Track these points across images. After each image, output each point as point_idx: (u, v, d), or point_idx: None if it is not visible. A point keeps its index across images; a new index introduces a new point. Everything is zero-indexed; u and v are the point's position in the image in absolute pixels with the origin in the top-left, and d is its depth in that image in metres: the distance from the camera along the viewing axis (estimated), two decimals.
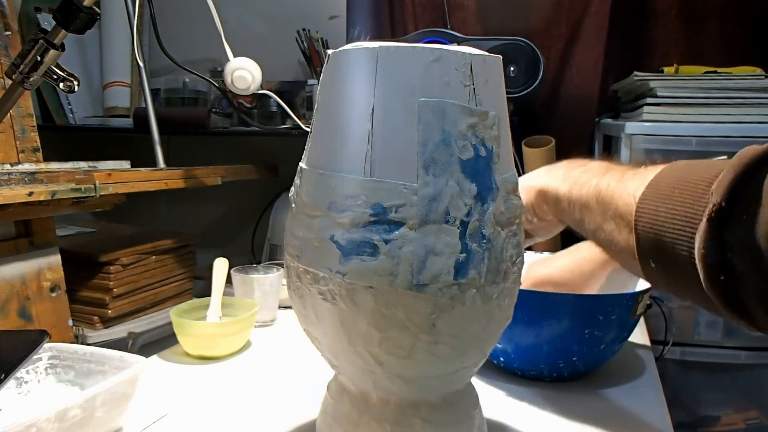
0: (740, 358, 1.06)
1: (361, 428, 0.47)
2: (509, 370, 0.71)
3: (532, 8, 1.27)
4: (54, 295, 0.79)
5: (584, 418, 0.61)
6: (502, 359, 0.71)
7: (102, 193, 0.76)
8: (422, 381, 0.45)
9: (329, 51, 0.44)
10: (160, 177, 0.92)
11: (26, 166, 0.77)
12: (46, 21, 1.36)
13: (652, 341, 0.85)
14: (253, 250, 1.43)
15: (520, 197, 0.47)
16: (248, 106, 1.32)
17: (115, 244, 0.92)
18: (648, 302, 0.69)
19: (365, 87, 0.41)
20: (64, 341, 0.75)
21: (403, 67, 0.41)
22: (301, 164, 0.47)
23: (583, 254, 0.73)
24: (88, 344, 0.79)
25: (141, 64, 1.05)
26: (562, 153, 1.15)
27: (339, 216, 0.42)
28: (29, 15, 1.37)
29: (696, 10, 1.21)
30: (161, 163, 1.04)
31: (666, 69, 1.08)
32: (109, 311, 0.87)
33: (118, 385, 0.54)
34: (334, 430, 0.50)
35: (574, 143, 1.28)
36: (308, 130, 0.47)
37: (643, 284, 0.70)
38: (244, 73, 0.96)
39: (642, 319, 0.86)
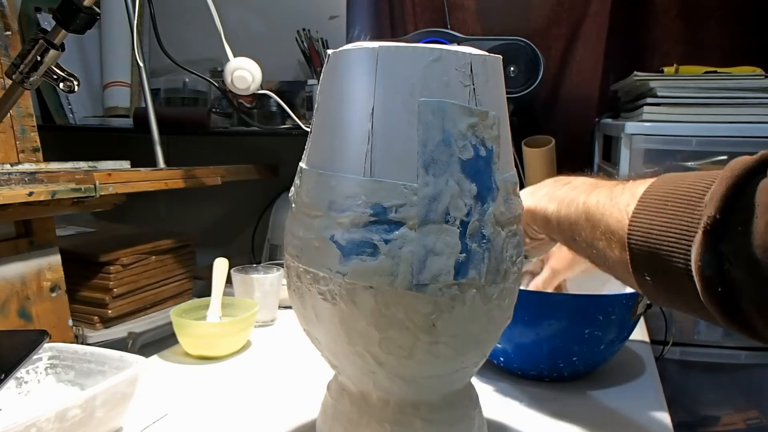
0: (740, 358, 1.06)
1: (361, 428, 0.47)
2: (509, 370, 0.71)
3: (532, 8, 1.27)
4: (54, 295, 0.79)
5: (584, 418, 0.61)
6: (502, 359, 0.71)
7: (102, 193, 0.76)
8: (422, 381, 0.45)
9: (329, 51, 0.44)
10: (160, 177, 0.92)
11: (26, 166, 0.77)
12: (46, 21, 1.36)
13: (652, 341, 0.85)
14: (253, 250, 1.43)
15: (520, 197, 0.47)
16: (248, 106, 1.32)
17: (115, 244, 0.92)
18: (648, 302, 0.69)
19: (365, 87, 0.41)
20: (64, 341, 0.75)
21: (403, 67, 0.41)
22: (301, 164, 0.47)
23: None
24: (88, 344, 0.79)
25: (141, 64, 1.05)
26: (562, 153, 1.16)
27: (339, 216, 0.42)
28: (29, 15, 1.37)
29: (696, 10, 1.21)
30: (161, 163, 1.04)
31: (666, 69, 1.08)
32: (109, 311, 0.87)
33: (118, 385, 0.54)
34: (334, 430, 0.50)
35: (574, 143, 1.28)
36: (308, 130, 0.47)
37: None
38: (244, 73, 0.96)
39: (642, 319, 0.86)
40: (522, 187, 0.56)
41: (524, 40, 1.05)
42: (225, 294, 0.86)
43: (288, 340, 0.86)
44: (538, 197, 0.57)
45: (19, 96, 0.72)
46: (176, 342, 0.79)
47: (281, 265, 0.90)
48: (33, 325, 0.76)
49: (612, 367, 0.73)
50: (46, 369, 0.61)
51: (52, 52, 0.66)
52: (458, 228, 0.41)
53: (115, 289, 0.88)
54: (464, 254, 0.41)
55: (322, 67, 0.46)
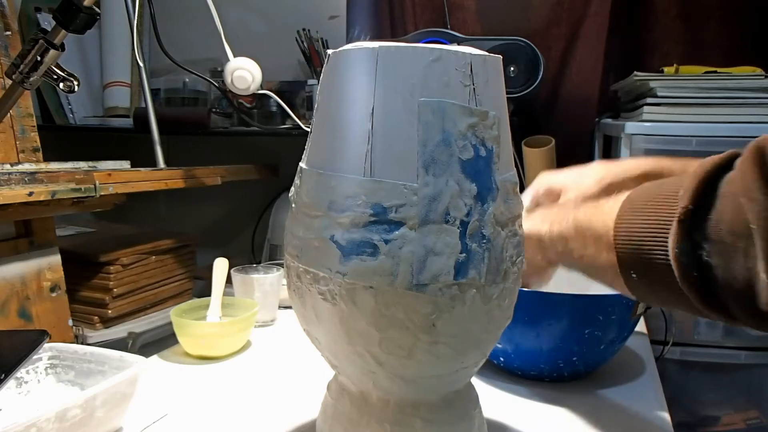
0: (740, 358, 1.06)
1: (361, 428, 0.48)
2: (509, 370, 0.71)
3: (532, 8, 1.27)
4: (54, 295, 0.79)
5: (584, 418, 0.61)
6: (502, 359, 0.71)
7: (102, 193, 0.76)
8: (422, 381, 0.45)
9: (329, 51, 0.44)
10: (160, 177, 0.92)
11: (26, 166, 0.77)
12: (46, 21, 1.36)
13: (652, 341, 0.85)
14: (253, 250, 1.43)
15: (520, 197, 0.47)
16: (248, 106, 1.32)
17: (115, 244, 0.92)
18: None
19: (365, 87, 0.41)
20: (64, 341, 0.75)
21: (403, 67, 0.41)
22: (301, 164, 0.47)
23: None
24: (88, 344, 0.79)
25: (141, 64, 1.05)
26: (562, 153, 1.16)
27: (339, 216, 0.42)
28: (29, 15, 1.37)
29: (696, 10, 1.21)
30: (161, 163, 1.04)
31: (666, 69, 1.08)
32: (109, 311, 0.87)
33: (118, 385, 0.54)
34: (334, 430, 0.50)
35: (574, 143, 1.28)
36: (308, 130, 0.47)
37: None
38: (244, 73, 0.96)
39: (642, 319, 0.86)
40: (522, 187, 0.56)
41: (524, 40, 1.05)
42: (225, 294, 0.86)
43: (288, 340, 0.86)
44: (531, 221, 0.59)
45: (19, 96, 0.72)
46: (176, 342, 0.79)
47: (281, 265, 0.90)
48: (33, 325, 0.76)
49: (612, 367, 0.73)
50: (46, 369, 0.61)
51: (52, 52, 0.66)
52: (458, 228, 0.41)
53: (115, 289, 0.88)
54: (464, 254, 0.41)
55: (322, 67, 0.46)
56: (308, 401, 0.61)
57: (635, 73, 1.05)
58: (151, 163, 1.03)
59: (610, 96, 1.29)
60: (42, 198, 0.69)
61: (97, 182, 0.76)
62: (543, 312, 0.65)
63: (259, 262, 1.04)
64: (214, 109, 1.38)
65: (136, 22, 1.05)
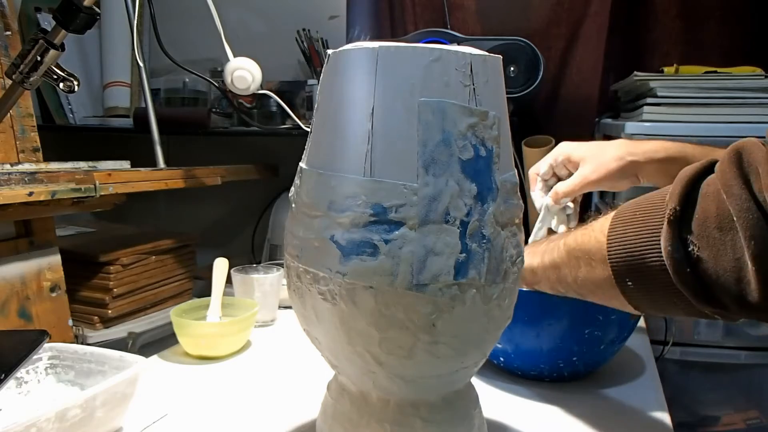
0: (740, 358, 1.06)
1: (361, 428, 0.47)
2: (509, 370, 0.71)
3: (532, 8, 1.27)
4: (54, 295, 0.79)
5: (584, 418, 0.61)
6: (502, 359, 0.71)
7: (102, 193, 0.76)
8: (422, 381, 0.45)
9: (329, 51, 0.44)
10: (160, 177, 0.92)
11: (26, 166, 0.77)
12: (46, 21, 1.36)
13: (652, 341, 0.85)
14: (253, 250, 1.43)
15: (520, 197, 0.47)
16: (248, 106, 1.32)
17: (115, 244, 0.92)
18: None
19: (365, 87, 0.41)
20: (64, 341, 0.75)
21: (403, 67, 0.41)
22: (301, 164, 0.47)
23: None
24: (88, 344, 0.79)
25: (141, 64, 1.05)
26: None
27: (339, 216, 0.42)
28: (29, 15, 1.37)
29: (696, 10, 1.21)
30: (161, 163, 1.04)
31: (666, 69, 1.08)
32: (109, 311, 0.87)
33: (118, 385, 0.54)
34: (334, 430, 0.50)
35: None
36: (308, 130, 0.47)
37: None
38: (244, 73, 0.96)
39: (642, 319, 0.86)
40: (522, 187, 0.56)
41: (524, 40, 1.05)
42: (225, 294, 0.86)
43: (288, 340, 0.86)
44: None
45: (19, 96, 0.72)
46: (176, 342, 0.79)
47: (281, 265, 0.90)
48: (33, 325, 0.76)
49: (612, 367, 0.73)
50: (46, 369, 0.61)
51: (52, 52, 0.66)
52: (458, 228, 0.41)
53: (115, 289, 0.88)
54: (464, 254, 0.41)
55: (322, 67, 0.46)
56: (308, 401, 0.61)
57: (635, 73, 1.05)
58: (151, 163, 1.03)
59: (610, 96, 1.29)
60: (42, 198, 0.69)
61: (97, 182, 0.76)
62: (543, 312, 0.65)
63: (259, 262, 1.04)
64: (214, 109, 1.38)
65: (136, 22, 1.05)
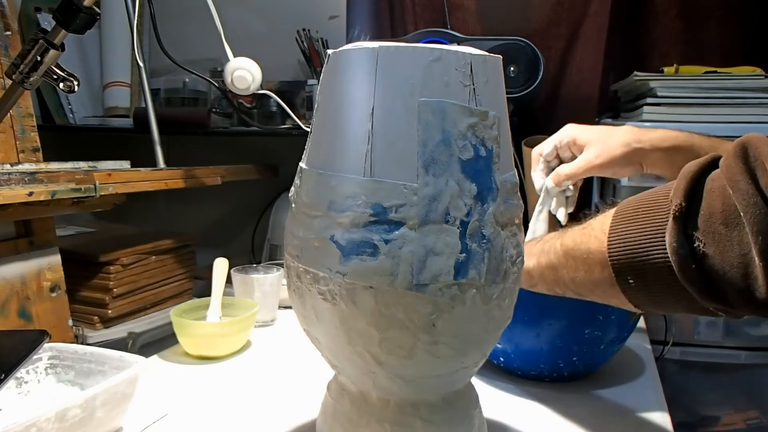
0: (740, 358, 1.06)
1: (361, 428, 0.47)
2: (509, 370, 0.71)
3: (532, 8, 1.27)
4: (54, 295, 0.79)
5: (584, 418, 0.61)
6: (502, 359, 0.71)
7: (102, 193, 0.76)
8: (422, 381, 0.45)
9: (329, 51, 0.44)
10: (160, 177, 0.92)
11: (26, 166, 0.77)
12: (46, 21, 1.36)
13: (652, 341, 0.85)
14: (253, 250, 1.43)
15: (520, 197, 0.47)
16: (248, 106, 1.32)
17: (115, 244, 0.92)
18: None
19: (365, 87, 0.41)
20: (64, 341, 0.75)
21: (403, 67, 0.41)
22: (301, 164, 0.47)
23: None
24: (88, 344, 0.79)
25: (141, 64, 1.05)
26: None
27: (339, 216, 0.42)
28: (29, 15, 1.37)
29: (696, 10, 1.21)
30: (161, 163, 1.04)
31: (666, 69, 1.08)
32: (109, 311, 0.87)
33: (118, 385, 0.54)
34: (334, 430, 0.50)
35: None
36: (308, 130, 0.47)
37: None
38: (244, 73, 0.96)
39: (642, 319, 0.86)
40: (522, 187, 0.56)
41: (524, 40, 1.05)
42: (225, 294, 0.86)
43: (288, 340, 0.86)
44: None
45: (19, 96, 0.72)
46: (176, 342, 0.79)
47: (281, 265, 0.90)
48: (33, 325, 0.76)
49: (612, 367, 0.73)
50: (46, 369, 0.61)
51: (52, 52, 0.66)
52: (458, 228, 0.41)
53: (115, 289, 0.88)
54: (464, 254, 0.41)
55: (322, 67, 0.46)
56: (308, 401, 0.61)
57: (635, 73, 1.05)
58: (151, 163, 1.03)
59: (610, 96, 1.29)
60: (42, 198, 0.69)
61: (97, 182, 0.76)
62: (543, 312, 0.65)
63: (259, 262, 1.04)
64: (214, 109, 1.38)
65: (136, 22, 1.05)
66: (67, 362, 0.61)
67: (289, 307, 0.76)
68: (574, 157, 0.73)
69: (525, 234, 0.62)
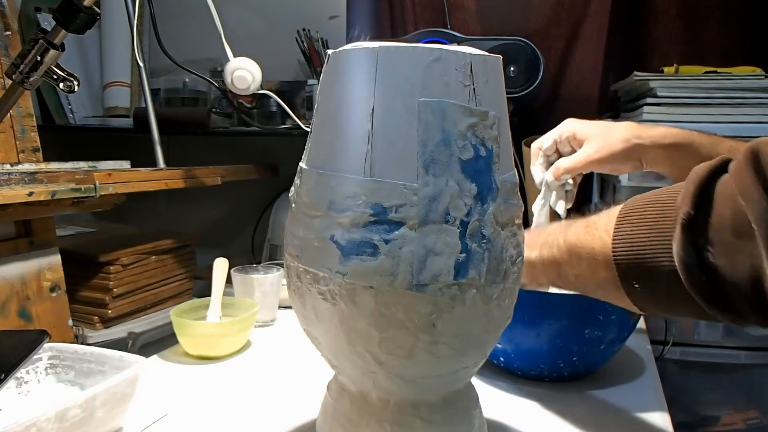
0: (740, 358, 1.06)
1: (361, 428, 0.47)
2: (509, 370, 0.71)
3: (532, 8, 1.27)
4: (54, 295, 0.79)
5: (584, 418, 0.61)
6: (502, 359, 0.71)
7: (102, 193, 0.76)
8: (422, 381, 0.45)
9: (329, 51, 0.44)
10: (160, 177, 0.92)
11: (26, 166, 0.77)
12: (46, 21, 1.36)
13: (652, 341, 0.85)
14: (253, 250, 1.43)
15: (520, 197, 0.47)
16: (248, 106, 1.32)
17: (115, 244, 0.92)
18: None
19: (365, 87, 0.41)
20: (64, 341, 0.75)
21: (403, 67, 0.41)
22: (301, 164, 0.47)
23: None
24: (88, 344, 0.79)
25: (141, 64, 1.05)
26: None
27: (339, 216, 0.42)
28: (29, 15, 1.37)
29: (696, 10, 1.21)
30: (161, 163, 1.04)
31: (666, 69, 1.08)
32: (109, 311, 0.87)
33: (118, 385, 0.54)
34: (334, 430, 0.50)
35: None
36: (308, 130, 0.47)
37: None
38: (244, 73, 0.96)
39: (642, 319, 0.86)
40: (522, 187, 0.56)
41: (524, 40, 1.05)
42: (225, 294, 0.86)
43: (288, 340, 0.86)
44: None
45: (19, 96, 0.72)
46: (176, 342, 0.79)
47: (281, 265, 0.90)
48: (33, 325, 0.76)
49: (612, 367, 0.73)
50: (46, 369, 0.61)
51: (52, 52, 0.66)
52: (458, 228, 0.41)
53: (115, 289, 0.88)
54: (464, 254, 0.41)
55: (322, 67, 0.46)
56: (308, 401, 0.61)
57: (635, 73, 1.05)
58: (151, 163, 1.03)
59: (610, 96, 1.29)
60: (42, 198, 0.69)
61: (97, 182, 0.76)
62: (543, 312, 0.65)
63: (259, 262, 1.04)
64: (214, 109, 1.38)
65: (136, 22, 1.05)
66: (67, 362, 0.61)
67: (289, 307, 0.76)
68: (573, 152, 0.73)
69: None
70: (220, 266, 0.86)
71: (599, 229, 0.48)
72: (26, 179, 0.69)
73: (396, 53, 0.41)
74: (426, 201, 0.40)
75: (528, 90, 1.05)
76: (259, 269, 0.95)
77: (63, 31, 0.66)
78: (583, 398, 0.66)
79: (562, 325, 0.65)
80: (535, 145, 0.77)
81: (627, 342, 0.72)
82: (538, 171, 0.76)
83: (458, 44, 0.98)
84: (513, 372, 0.71)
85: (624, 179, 1.03)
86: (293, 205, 0.47)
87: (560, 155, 0.75)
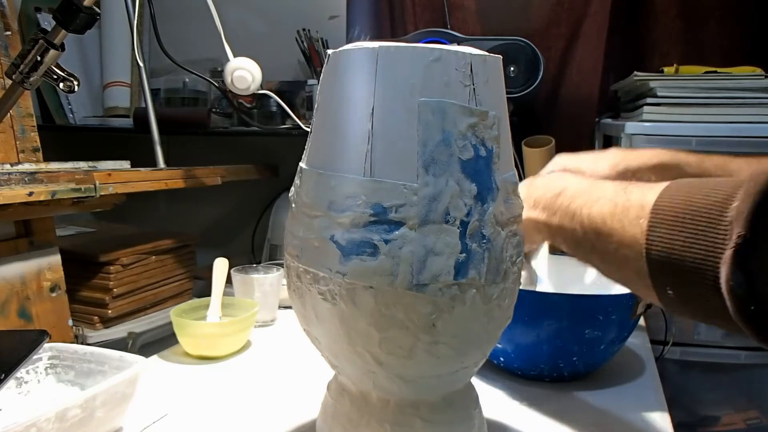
0: (740, 358, 1.06)
1: (361, 428, 0.48)
2: (509, 370, 0.71)
3: (532, 8, 1.27)
4: (54, 295, 0.79)
5: (584, 418, 0.61)
6: (502, 359, 0.71)
7: (102, 193, 0.76)
8: (422, 381, 0.45)
9: (329, 51, 0.44)
10: (160, 177, 0.92)
11: (26, 166, 0.77)
12: (46, 21, 1.36)
13: (652, 341, 0.85)
14: (253, 250, 1.43)
15: (520, 197, 0.47)
16: (248, 106, 1.32)
17: (115, 244, 0.92)
18: (648, 302, 0.69)
19: (365, 87, 0.41)
20: (64, 341, 0.75)
21: (403, 67, 0.41)
22: (301, 164, 0.47)
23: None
24: (88, 344, 0.79)
25: (141, 64, 1.06)
26: (562, 153, 1.15)
27: (339, 216, 0.42)
28: (29, 15, 1.37)
29: (696, 10, 1.21)
30: (161, 163, 1.04)
31: (666, 69, 1.08)
32: (109, 311, 0.87)
33: (118, 385, 0.54)
34: (334, 430, 0.50)
35: (574, 143, 1.28)
36: (308, 130, 0.47)
37: None
38: (244, 73, 0.96)
39: (642, 319, 0.86)
40: None
41: (524, 40, 1.05)
42: (225, 294, 0.86)
43: (288, 340, 0.86)
44: (537, 210, 0.56)
45: (19, 96, 0.72)
46: (176, 342, 0.79)
47: (281, 265, 0.90)
48: (33, 325, 0.76)
49: (612, 367, 0.73)
50: (46, 369, 0.61)
51: (52, 52, 0.66)
52: (458, 228, 0.41)
53: (115, 289, 0.88)
54: (464, 254, 0.41)
55: (322, 67, 0.46)
56: (308, 401, 0.61)
57: (635, 73, 1.05)
58: (151, 163, 1.03)
59: (610, 96, 1.29)
60: (42, 198, 0.69)
61: (97, 182, 0.76)
62: (543, 312, 0.65)
63: (259, 262, 1.04)
64: (214, 109, 1.38)
65: (136, 22, 1.06)
66: (67, 362, 0.61)
67: (289, 307, 0.76)
68: None
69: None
70: (220, 266, 0.86)
71: (629, 218, 0.44)
72: (26, 179, 0.69)
73: (396, 53, 0.41)
74: (426, 201, 0.40)
75: (528, 90, 1.05)
76: (259, 269, 0.95)
77: (63, 31, 0.66)
78: (583, 398, 0.66)
79: (562, 325, 0.65)
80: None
81: (627, 342, 0.72)
82: None
83: (458, 44, 0.98)
84: (513, 372, 0.71)
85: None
86: (293, 205, 0.47)
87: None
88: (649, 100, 1.03)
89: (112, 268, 0.88)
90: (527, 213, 0.57)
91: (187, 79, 1.42)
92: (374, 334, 0.42)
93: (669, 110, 1.03)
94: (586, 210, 0.49)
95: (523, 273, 0.71)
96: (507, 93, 0.46)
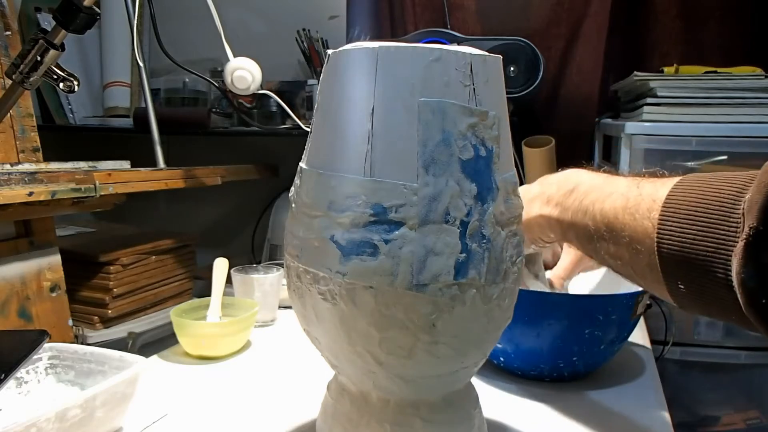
0: (740, 358, 1.06)
1: (361, 428, 0.48)
2: (509, 370, 0.71)
3: (532, 8, 1.27)
4: (54, 295, 0.79)
5: (584, 418, 0.61)
6: (502, 359, 0.71)
7: (102, 193, 0.76)
8: (422, 381, 0.45)
9: (329, 51, 0.44)
10: (160, 177, 0.92)
11: (26, 166, 0.77)
12: (46, 21, 1.36)
13: (652, 341, 0.85)
14: (253, 250, 1.43)
15: (520, 197, 0.47)
16: (248, 106, 1.32)
17: (115, 244, 0.92)
18: (648, 302, 0.69)
19: (365, 87, 0.41)
20: (64, 341, 0.75)
21: (403, 67, 0.41)
22: (301, 164, 0.47)
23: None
24: (88, 344, 0.79)
25: (141, 64, 1.06)
26: (562, 153, 1.16)
27: (339, 216, 0.42)
28: (29, 15, 1.37)
29: (696, 10, 1.21)
30: (161, 163, 1.04)
31: (666, 69, 1.08)
32: (109, 311, 0.87)
33: (118, 385, 0.54)
34: (334, 430, 0.50)
35: (574, 143, 1.28)
36: (308, 130, 0.47)
37: None
38: (244, 73, 0.96)
39: (642, 319, 0.86)
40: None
41: (524, 40, 1.05)
42: (225, 294, 0.86)
43: (288, 340, 0.86)
44: (550, 207, 0.56)
45: (19, 96, 0.72)
46: (176, 342, 0.79)
47: (281, 265, 0.90)
48: (33, 325, 0.76)
49: (612, 367, 0.73)
50: (46, 369, 0.61)
51: (52, 52, 0.66)
52: (458, 228, 0.41)
53: (115, 289, 0.88)
54: (464, 254, 0.41)
55: (322, 67, 0.46)
56: (308, 401, 0.61)
57: (635, 73, 1.05)
58: (151, 163, 1.03)
59: (610, 96, 1.29)
60: (42, 198, 0.69)
61: (97, 182, 0.76)
62: (543, 312, 0.65)
63: (259, 262, 1.04)
64: (214, 109, 1.38)
65: (136, 22, 1.06)
66: (67, 362, 0.61)
67: (289, 307, 0.76)
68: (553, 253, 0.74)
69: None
70: (220, 266, 0.86)
71: (641, 212, 0.43)
72: (26, 179, 0.69)
73: (396, 53, 0.41)
74: (426, 201, 0.40)
75: (528, 90, 1.05)
76: (259, 269, 0.94)
77: (63, 31, 0.66)
78: (583, 398, 0.66)
79: (562, 325, 0.65)
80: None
81: (627, 342, 0.72)
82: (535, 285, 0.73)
83: (458, 44, 0.98)
84: (513, 372, 0.71)
85: (624, 167, 1.03)
86: (293, 205, 0.47)
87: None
88: (649, 100, 1.03)
89: (112, 268, 0.88)
90: (540, 210, 0.57)
91: (187, 79, 1.42)
92: (374, 334, 0.42)
93: (669, 110, 1.03)
94: (598, 205, 0.49)
95: (539, 284, 0.72)
96: (507, 93, 0.46)
